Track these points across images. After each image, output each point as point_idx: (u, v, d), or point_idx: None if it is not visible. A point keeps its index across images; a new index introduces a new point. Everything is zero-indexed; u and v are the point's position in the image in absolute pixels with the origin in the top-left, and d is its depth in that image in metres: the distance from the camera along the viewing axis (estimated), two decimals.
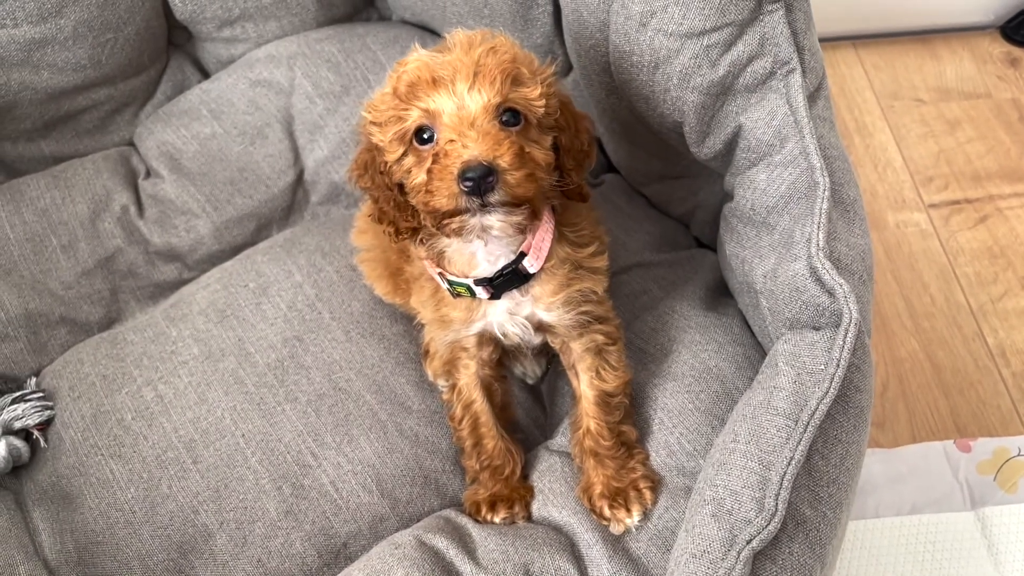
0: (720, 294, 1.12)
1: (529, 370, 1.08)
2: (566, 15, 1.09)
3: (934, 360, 1.40)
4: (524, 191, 0.74)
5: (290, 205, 1.29)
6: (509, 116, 0.76)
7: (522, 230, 0.79)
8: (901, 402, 1.36)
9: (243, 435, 1.02)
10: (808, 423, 0.75)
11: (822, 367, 0.78)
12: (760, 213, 0.94)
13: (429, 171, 0.74)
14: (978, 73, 1.79)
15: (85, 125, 1.31)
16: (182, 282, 1.22)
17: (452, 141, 0.73)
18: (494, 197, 0.72)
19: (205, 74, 1.40)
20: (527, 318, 0.89)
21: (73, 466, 1.02)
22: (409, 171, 0.78)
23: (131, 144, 1.34)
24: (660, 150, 1.14)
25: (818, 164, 0.88)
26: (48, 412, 1.06)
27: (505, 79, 0.75)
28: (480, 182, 0.71)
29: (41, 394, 1.08)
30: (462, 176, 0.71)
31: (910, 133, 1.71)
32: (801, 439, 0.74)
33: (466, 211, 0.74)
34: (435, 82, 0.75)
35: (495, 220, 0.75)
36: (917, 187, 1.62)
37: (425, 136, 0.76)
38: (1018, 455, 1.27)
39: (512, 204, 0.74)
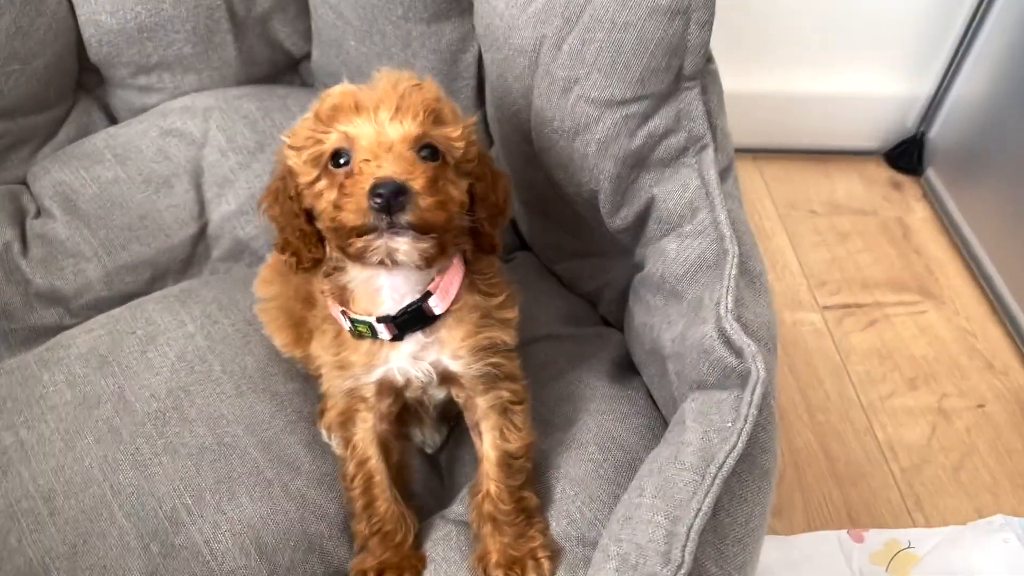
0: (625, 369, 1.12)
1: (428, 438, 1.04)
2: (491, 82, 1.11)
3: (828, 452, 1.43)
4: (434, 217, 0.73)
5: (189, 257, 1.23)
6: (427, 152, 0.76)
7: (429, 261, 0.77)
8: (797, 491, 1.37)
9: (111, 487, 0.93)
10: (716, 475, 0.73)
11: (729, 424, 0.77)
12: (669, 281, 0.95)
13: (341, 186, 0.73)
14: (866, 193, 1.92)
15: None
16: (61, 328, 1.14)
17: (367, 161, 0.73)
18: (403, 218, 0.71)
19: (113, 121, 1.35)
20: (432, 364, 0.86)
21: None
22: (320, 194, 0.77)
23: (23, 183, 1.27)
24: (574, 226, 1.16)
25: (728, 233, 0.90)
26: None
27: (427, 115, 0.76)
28: (391, 199, 0.70)
29: None
30: (373, 191, 0.70)
31: (805, 240, 1.80)
32: (708, 491, 0.72)
33: (374, 229, 0.72)
34: (357, 108, 0.75)
35: (402, 244, 0.73)
36: (812, 290, 1.70)
37: (341, 160, 0.76)
38: (908, 547, 1.29)
39: (421, 230, 0.73)
